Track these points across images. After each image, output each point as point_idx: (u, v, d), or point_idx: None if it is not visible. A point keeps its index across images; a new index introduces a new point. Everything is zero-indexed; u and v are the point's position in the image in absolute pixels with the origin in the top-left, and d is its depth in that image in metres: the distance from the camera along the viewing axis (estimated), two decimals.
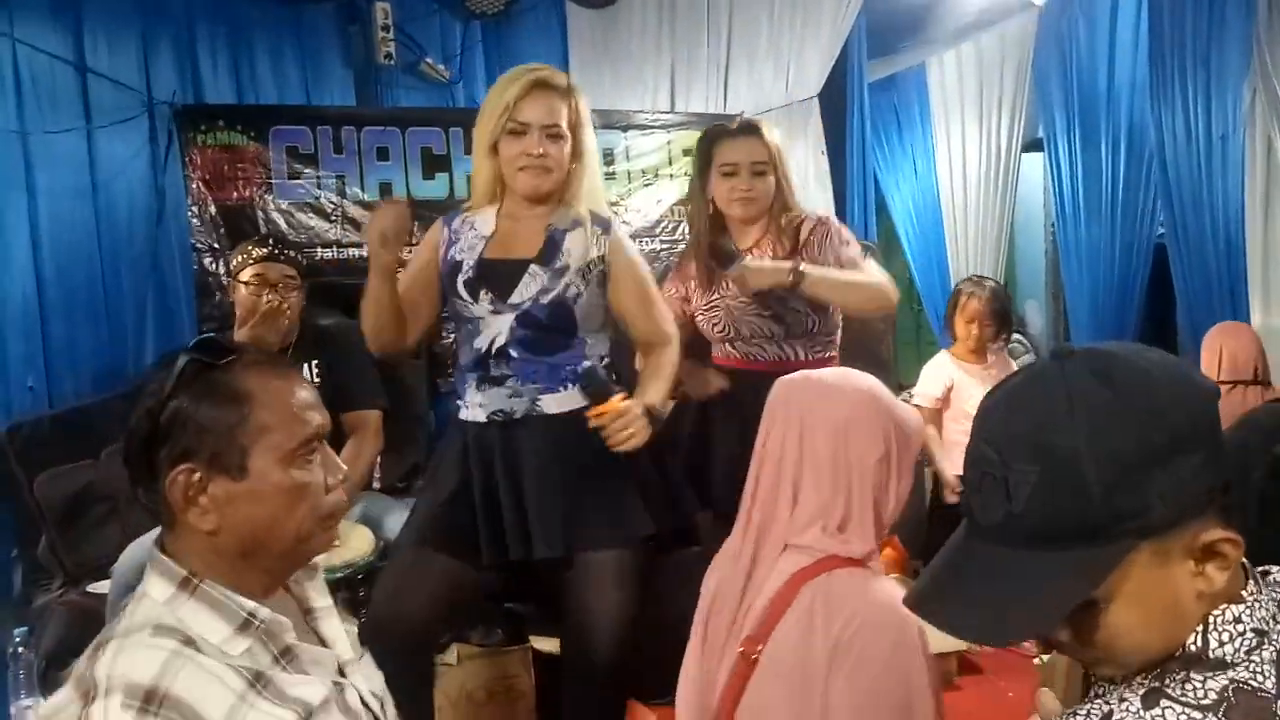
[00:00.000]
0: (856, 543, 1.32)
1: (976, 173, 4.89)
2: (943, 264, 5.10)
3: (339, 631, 1.13)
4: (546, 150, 1.90)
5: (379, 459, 2.82)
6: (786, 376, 1.45)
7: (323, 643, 1.11)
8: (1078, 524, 0.71)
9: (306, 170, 3.47)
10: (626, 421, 1.81)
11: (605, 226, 2.00)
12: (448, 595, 2.01)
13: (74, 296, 3.27)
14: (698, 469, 2.31)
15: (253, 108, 3.48)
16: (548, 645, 2.76)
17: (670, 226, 3.92)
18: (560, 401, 1.93)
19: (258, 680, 0.96)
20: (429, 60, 3.63)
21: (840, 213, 3.82)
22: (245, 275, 2.59)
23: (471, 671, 2.68)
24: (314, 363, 2.66)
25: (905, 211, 5.35)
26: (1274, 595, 0.78)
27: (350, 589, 2.41)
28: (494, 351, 1.92)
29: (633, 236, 3.83)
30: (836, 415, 1.34)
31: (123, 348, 3.38)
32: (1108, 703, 0.75)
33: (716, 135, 2.31)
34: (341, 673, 1.09)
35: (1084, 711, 0.75)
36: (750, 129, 2.28)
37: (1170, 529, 0.72)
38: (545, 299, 1.92)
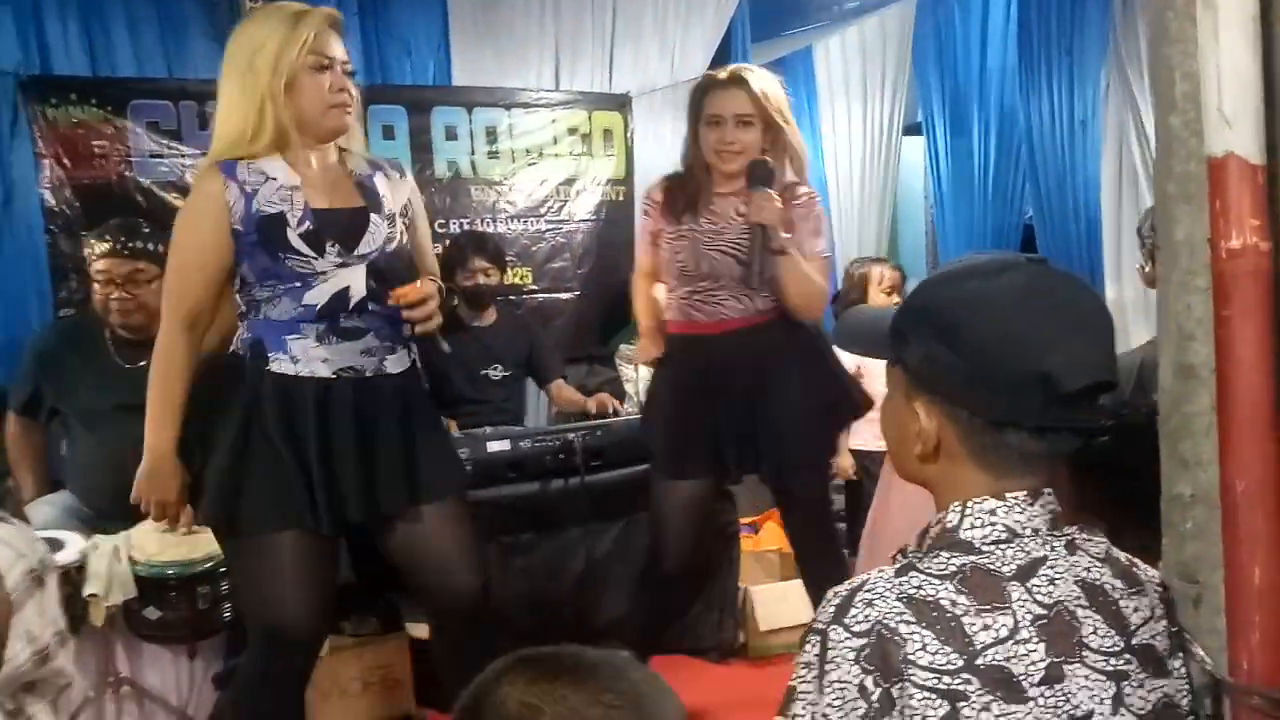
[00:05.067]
0: None
1: (860, 155, 5.00)
2: (830, 244, 5.20)
3: None
4: (349, 88, 1.85)
5: None
6: None
7: None
8: (893, 321, 0.98)
9: (170, 147, 3.32)
10: (430, 306, 1.85)
11: (400, 170, 2.02)
12: (329, 579, 1.98)
13: None
14: (676, 435, 2.37)
15: (108, 80, 3.29)
16: (424, 632, 2.72)
17: (556, 207, 3.88)
18: (399, 361, 1.94)
19: None
20: None
21: None
22: (93, 270, 2.50)
23: (344, 662, 2.61)
24: None
25: None
26: (1048, 515, 0.91)
27: (211, 583, 2.31)
28: (349, 305, 1.86)
29: (516, 217, 3.82)
30: None
31: None
32: (869, 574, 0.89)
33: (707, 85, 2.31)
34: None
35: (847, 581, 0.89)
36: (737, 80, 2.26)
37: (911, 374, 0.93)
38: (390, 247, 1.90)
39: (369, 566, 2.72)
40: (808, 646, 0.87)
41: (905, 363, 0.95)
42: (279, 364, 1.85)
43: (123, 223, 2.66)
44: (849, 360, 3.35)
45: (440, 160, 3.68)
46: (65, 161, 3.17)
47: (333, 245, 1.83)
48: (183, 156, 3.33)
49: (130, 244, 2.49)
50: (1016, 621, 0.84)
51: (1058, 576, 0.88)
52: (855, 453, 3.42)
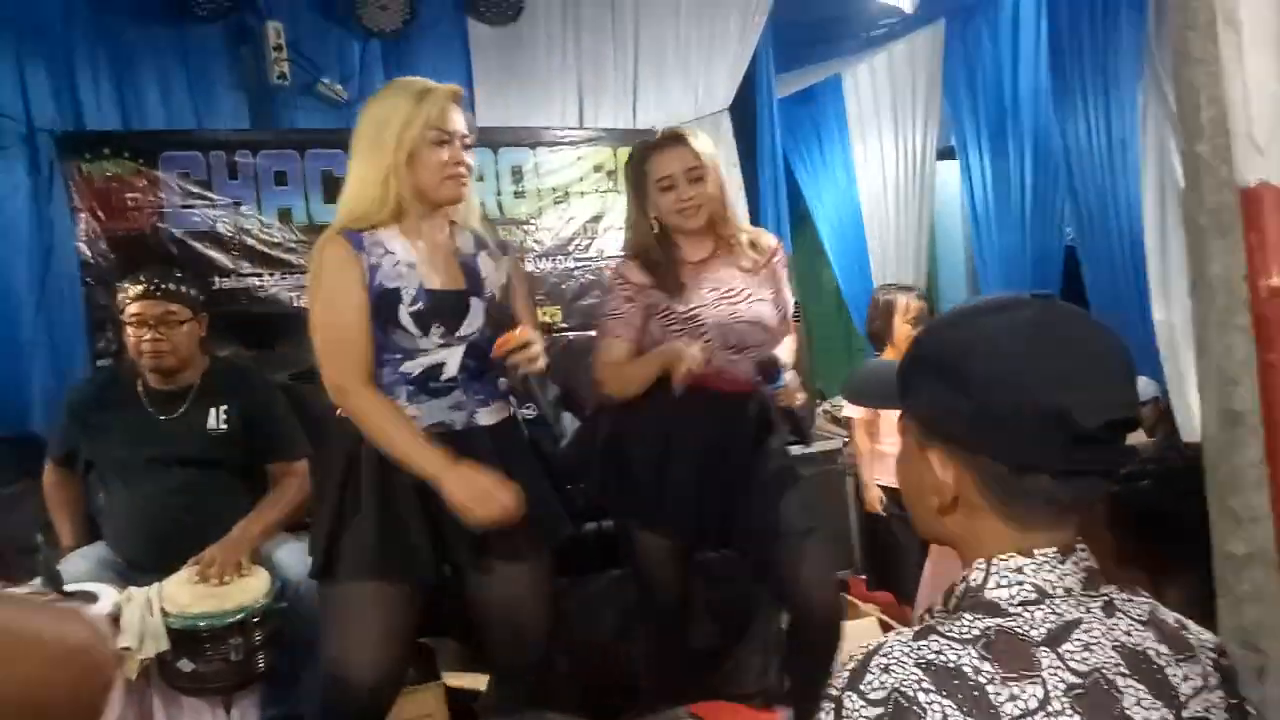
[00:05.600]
0: None
1: (895, 182, 4.93)
2: (866, 273, 5.14)
3: None
4: (465, 161, 1.91)
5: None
6: None
7: None
8: (899, 369, 0.95)
9: (201, 197, 3.37)
10: (534, 349, 1.88)
11: (504, 248, 2.07)
12: (407, 632, 1.98)
13: None
14: (652, 490, 2.23)
15: (140, 133, 3.35)
16: (460, 681, 2.68)
17: (583, 244, 3.87)
18: (492, 413, 1.98)
19: None
20: (325, 80, 3.53)
21: (755, 219, 3.81)
22: (125, 314, 2.51)
23: None
24: (221, 408, 2.55)
25: (829, 221, 5.38)
26: (1082, 574, 0.85)
27: (244, 634, 2.30)
28: (440, 377, 1.93)
29: (544, 255, 3.81)
30: None
31: (10, 389, 3.21)
32: (887, 637, 0.84)
33: (645, 152, 2.26)
34: None
35: (866, 644, 0.84)
36: (676, 138, 2.24)
37: (922, 423, 0.90)
38: (490, 329, 1.95)
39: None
40: (822, 714, 0.82)
41: (914, 411, 0.91)
42: None
43: (155, 267, 2.71)
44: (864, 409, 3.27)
45: None
46: (99, 214, 3.23)
47: (438, 327, 1.90)
48: (213, 206, 3.37)
49: (163, 286, 2.52)
50: (1047, 691, 0.78)
51: (1094, 641, 0.81)
52: (886, 489, 3.31)
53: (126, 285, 2.55)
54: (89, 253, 3.24)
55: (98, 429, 2.56)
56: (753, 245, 2.26)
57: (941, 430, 0.88)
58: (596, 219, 3.88)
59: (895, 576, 3.32)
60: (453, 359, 1.92)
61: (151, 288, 2.50)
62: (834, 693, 0.82)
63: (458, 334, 1.92)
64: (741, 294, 2.23)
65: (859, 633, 2.98)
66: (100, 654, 0.70)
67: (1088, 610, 0.83)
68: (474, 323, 1.94)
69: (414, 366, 1.90)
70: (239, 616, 2.27)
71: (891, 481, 3.25)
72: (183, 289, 2.56)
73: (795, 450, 3.51)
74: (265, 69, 3.41)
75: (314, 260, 1.91)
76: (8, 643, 0.64)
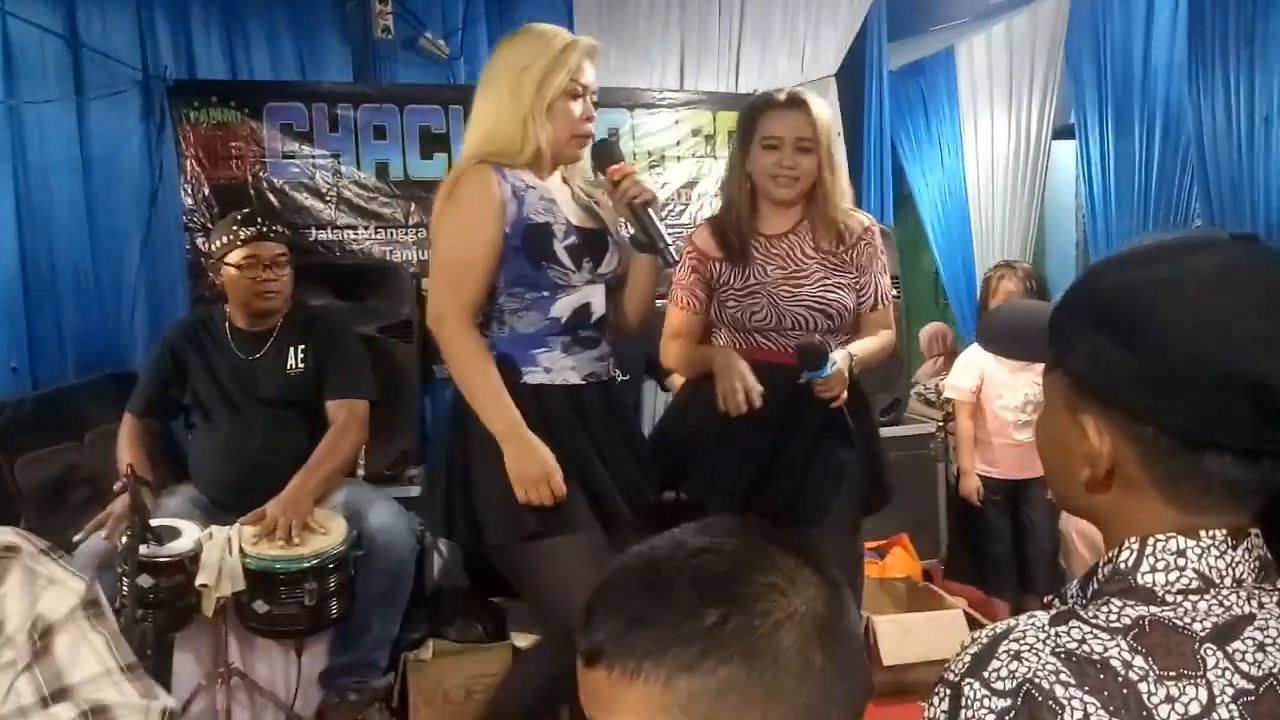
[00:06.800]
0: None
1: (1005, 161, 4.72)
2: (968, 257, 4.94)
3: None
4: (594, 117, 1.93)
5: (365, 448, 2.74)
6: None
7: None
8: (1052, 316, 0.81)
9: (301, 148, 3.40)
10: (639, 176, 1.94)
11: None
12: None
13: (61, 275, 3.21)
14: (710, 461, 2.13)
15: (247, 84, 3.41)
16: (528, 641, 2.65)
17: (676, 210, 3.79)
18: (614, 366, 2.06)
19: None
20: (428, 35, 3.53)
21: (857, 198, 3.65)
22: (235, 257, 2.51)
23: (448, 669, 2.57)
24: (299, 348, 2.57)
25: (932, 203, 5.18)
26: (1255, 563, 0.73)
27: (319, 579, 2.30)
28: (590, 320, 1.94)
29: None
30: None
31: (112, 328, 3.32)
32: (1016, 620, 0.73)
33: (762, 105, 2.14)
34: None
35: (993, 625, 0.75)
36: (797, 102, 2.10)
37: (1076, 381, 0.77)
38: (620, 270, 1.99)
39: (482, 571, 2.68)
40: (935, 700, 0.71)
41: (1068, 366, 0.77)
42: (533, 376, 1.91)
43: (251, 211, 2.75)
44: (970, 373, 3.08)
45: None
46: (204, 161, 3.30)
47: (588, 261, 1.91)
48: (313, 158, 3.41)
49: (272, 228, 2.59)
50: (1212, 695, 0.66)
51: (1269, 642, 0.69)
52: (986, 479, 3.10)
53: (236, 228, 2.55)
54: (192, 199, 3.31)
55: (190, 369, 2.59)
56: (842, 225, 2.13)
57: (1101, 391, 0.75)
58: (691, 185, 3.79)
59: (984, 571, 3.15)
60: (597, 298, 1.94)
61: (264, 229, 2.54)
62: (951, 678, 0.71)
63: (599, 270, 1.93)
64: (811, 276, 2.11)
65: (944, 625, 2.85)
66: None
67: (1261, 605, 0.70)
68: (612, 260, 1.95)
69: (564, 308, 1.89)
70: (315, 561, 2.28)
71: (991, 471, 3.06)
72: (284, 232, 2.64)
73: (889, 432, 3.38)
74: (370, 22, 3.43)
75: (450, 187, 1.87)
76: None
